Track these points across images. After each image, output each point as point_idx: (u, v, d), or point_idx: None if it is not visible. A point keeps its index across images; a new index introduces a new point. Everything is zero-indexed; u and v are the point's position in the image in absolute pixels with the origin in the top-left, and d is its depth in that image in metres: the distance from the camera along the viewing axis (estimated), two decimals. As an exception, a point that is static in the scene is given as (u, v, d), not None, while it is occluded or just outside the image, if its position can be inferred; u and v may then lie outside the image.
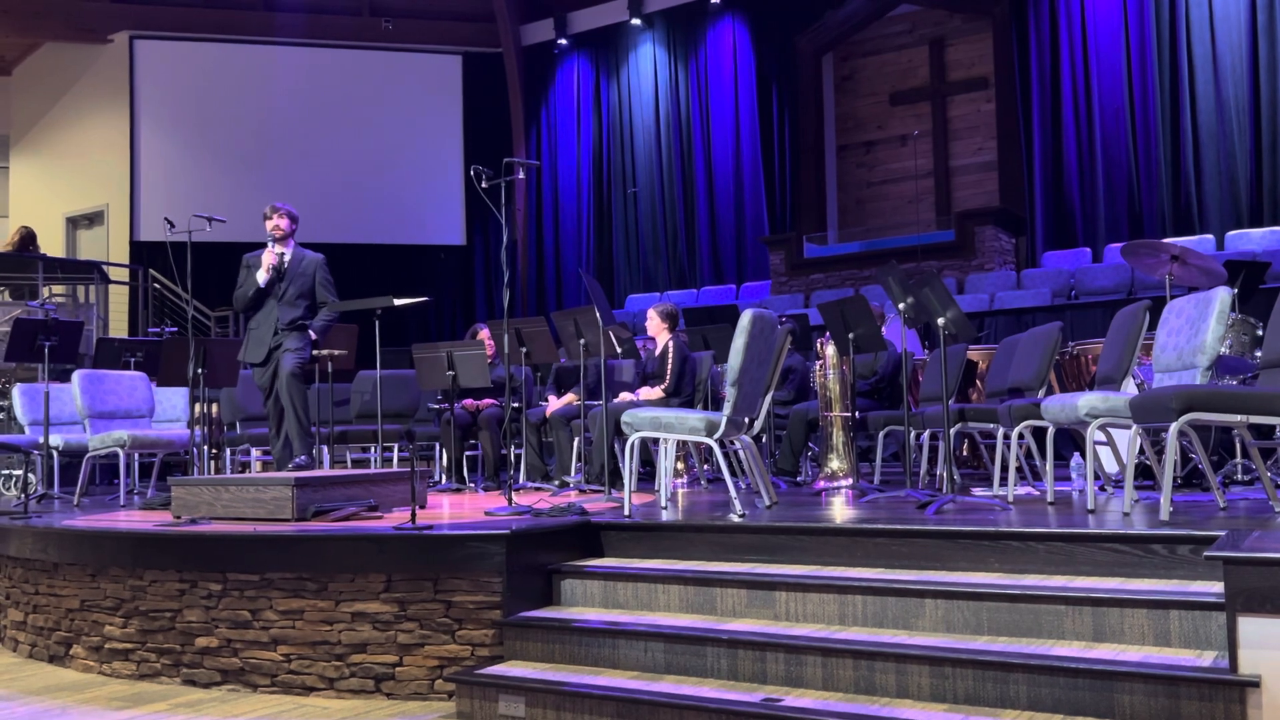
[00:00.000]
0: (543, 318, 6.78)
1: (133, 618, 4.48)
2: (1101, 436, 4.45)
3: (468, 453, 7.46)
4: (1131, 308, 4.62)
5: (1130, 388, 4.58)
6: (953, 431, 5.37)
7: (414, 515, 4.17)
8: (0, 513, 5.84)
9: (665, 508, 4.78)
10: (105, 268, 12.24)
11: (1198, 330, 4.03)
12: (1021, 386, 5.30)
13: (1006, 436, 5.06)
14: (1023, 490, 5.28)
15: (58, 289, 12.32)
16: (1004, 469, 5.20)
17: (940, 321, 4.75)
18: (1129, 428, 4.07)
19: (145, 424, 7.30)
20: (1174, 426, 3.58)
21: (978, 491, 5.24)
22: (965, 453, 7.15)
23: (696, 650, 3.46)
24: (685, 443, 6.65)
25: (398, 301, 6.25)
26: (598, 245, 15.09)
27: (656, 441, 5.71)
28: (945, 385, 4.77)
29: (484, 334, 7.35)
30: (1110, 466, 5.46)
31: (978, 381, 6.99)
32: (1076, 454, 5.66)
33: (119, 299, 13.38)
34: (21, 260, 11.26)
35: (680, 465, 6.87)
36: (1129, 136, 11.48)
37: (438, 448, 7.76)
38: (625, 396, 6.67)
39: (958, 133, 13.48)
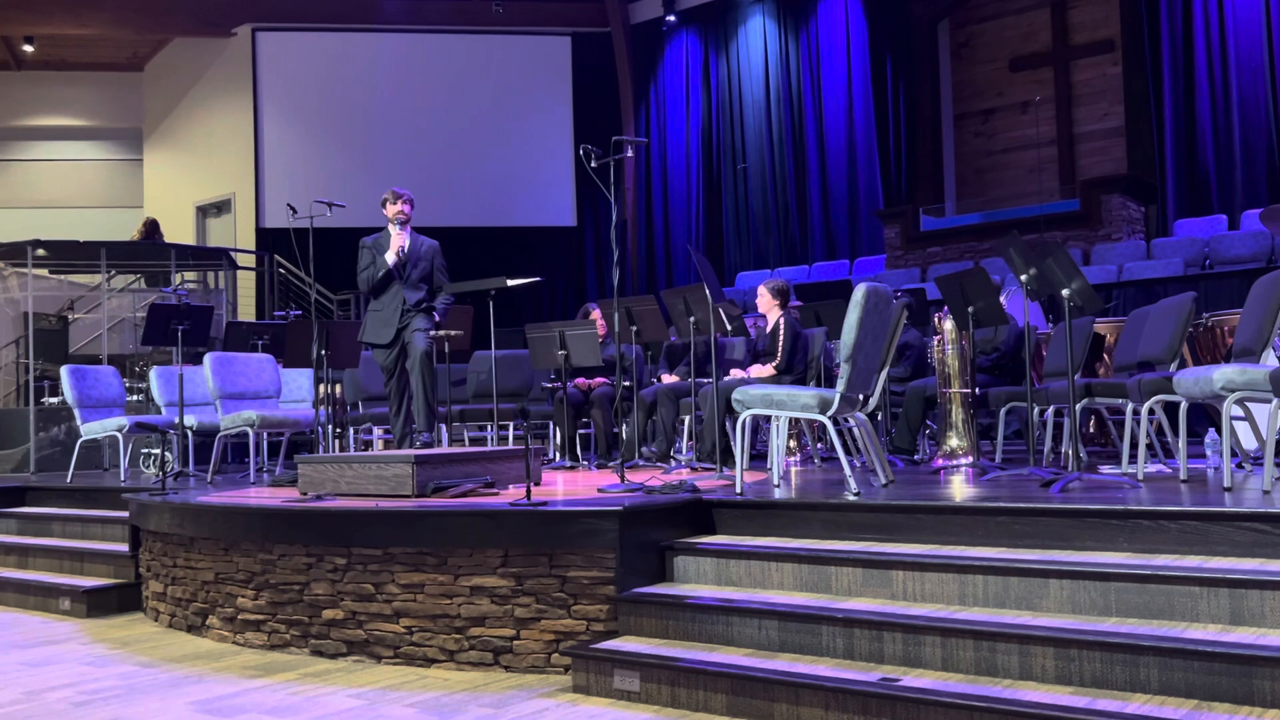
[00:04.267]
0: (653, 296, 6.79)
1: (263, 590, 4.67)
2: (1239, 411, 4.25)
3: (580, 431, 7.54)
4: (1272, 275, 4.39)
5: (1270, 360, 4.36)
6: (1079, 407, 5.20)
7: (529, 492, 4.24)
8: (140, 490, 6.16)
9: (778, 486, 4.75)
10: (233, 254, 12.73)
11: (1346, 298, 3.81)
12: (1152, 360, 5.09)
13: (1136, 412, 4.88)
14: (1153, 468, 5.09)
15: (189, 275, 12.88)
16: (1133, 446, 5.01)
17: (1065, 293, 4.59)
18: (1269, 402, 3.88)
19: (273, 404, 7.58)
20: (1319, 400, 3.40)
21: (1106, 470, 5.07)
22: (1092, 430, 6.92)
23: (811, 629, 3.44)
24: (798, 421, 6.59)
25: (511, 282, 6.34)
26: (707, 222, 15.03)
27: (768, 419, 5.68)
28: (1070, 358, 4.62)
29: (595, 313, 7.40)
30: (1248, 443, 5.21)
31: (1105, 356, 6.74)
32: (1211, 430, 5.42)
33: (246, 284, 13.91)
34: (155, 248, 11.80)
35: (793, 444, 6.82)
36: (1269, 96, 10.88)
37: (551, 426, 7.86)
38: (736, 374, 6.64)
39: (1082, 98, 12.98)
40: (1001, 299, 6.11)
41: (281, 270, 13.69)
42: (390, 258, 6.40)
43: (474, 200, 15.18)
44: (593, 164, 5.08)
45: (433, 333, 6.50)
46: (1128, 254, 10.71)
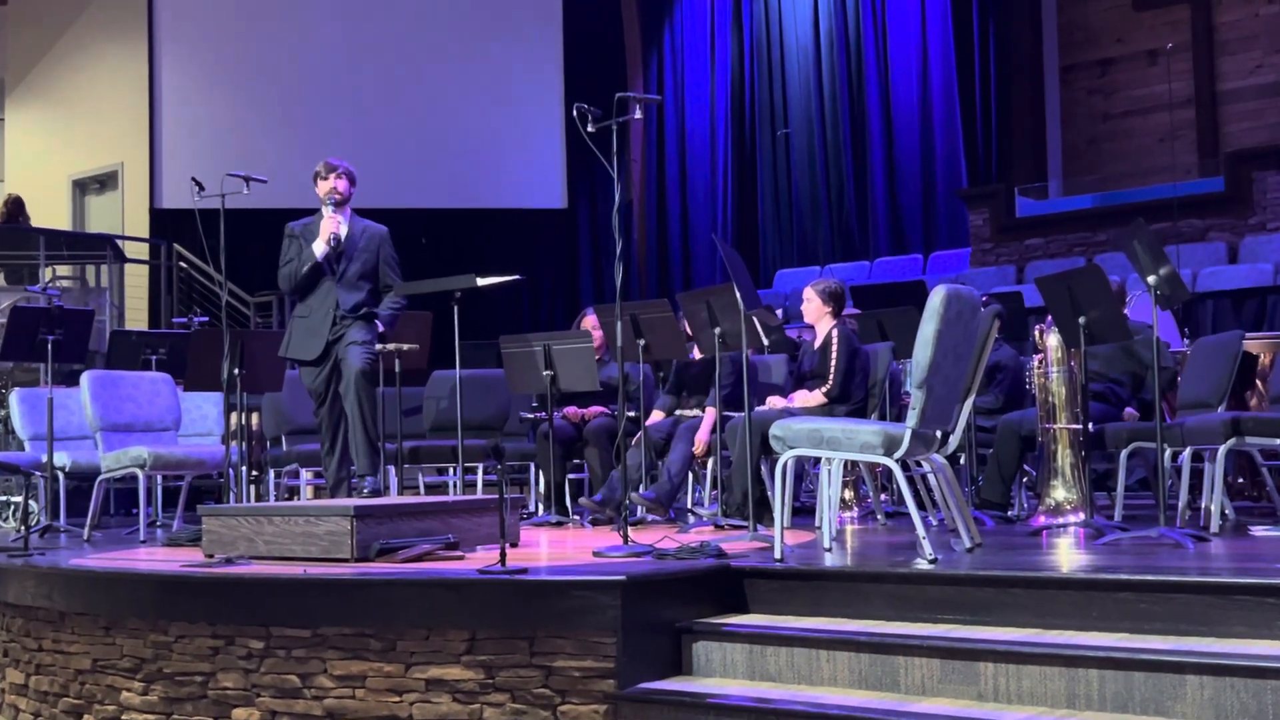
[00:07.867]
0: (666, 300, 6.80)
1: (155, 682, 4.65)
2: None
3: (571, 475, 7.54)
4: None
5: None
6: (1224, 449, 5.19)
7: (503, 555, 4.23)
8: (-4, 549, 6.15)
9: (829, 549, 4.75)
10: (120, 242, 12.77)
11: None
12: (1320, 388, 5.09)
13: (1299, 456, 4.87)
14: (1322, 530, 5.08)
15: (62, 270, 12.89)
16: (1296, 501, 5.00)
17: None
18: None
19: (170, 439, 7.58)
20: None
21: (1260, 531, 5.06)
22: (1241, 479, 6.90)
23: (873, 738, 3.43)
24: (856, 465, 6.59)
25: (481, 281, 6.35)
26: (738, 205, 15.06)
27: (817, 463, 5.66)
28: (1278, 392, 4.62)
29: (590, 322, 7.41)
30: None
31: (1257, 382, 6.73)
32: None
33: (137, 281, 13.94)
34: (17, 234, 11.82)
35: (849, 495, 6.82)
36: None
37: (533, 469, 7.85)
38: (775, 403, 6.65)
39: (1228, 45, 13.01)
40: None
41: (183, 264, 13.73)
42: (319, 248, 6.39)
43: (435, 176, 15.21)
44: (589, 129, 5.09)
45: (376, 346, 6.49)
46: (1288, 249, 10.72)
